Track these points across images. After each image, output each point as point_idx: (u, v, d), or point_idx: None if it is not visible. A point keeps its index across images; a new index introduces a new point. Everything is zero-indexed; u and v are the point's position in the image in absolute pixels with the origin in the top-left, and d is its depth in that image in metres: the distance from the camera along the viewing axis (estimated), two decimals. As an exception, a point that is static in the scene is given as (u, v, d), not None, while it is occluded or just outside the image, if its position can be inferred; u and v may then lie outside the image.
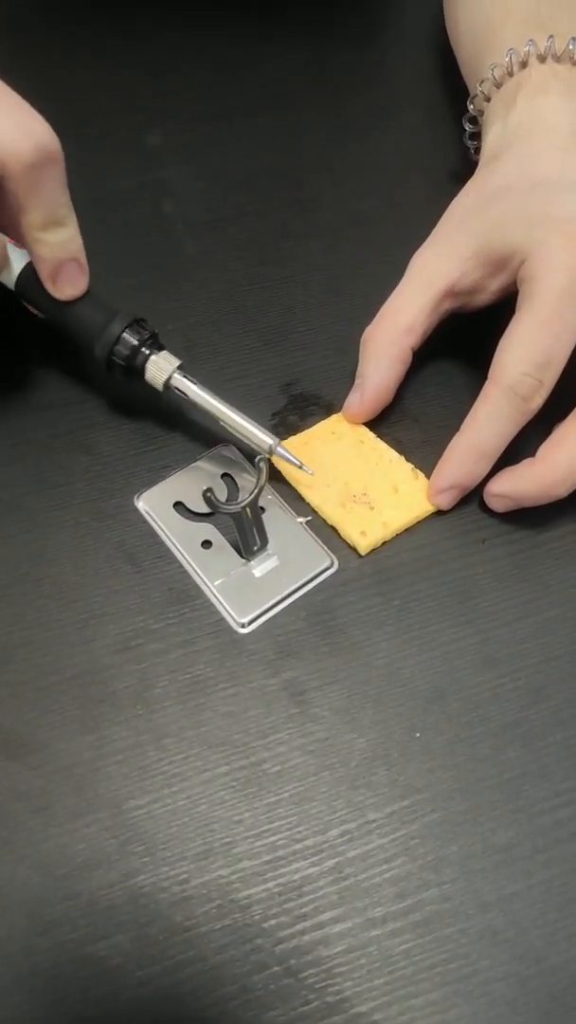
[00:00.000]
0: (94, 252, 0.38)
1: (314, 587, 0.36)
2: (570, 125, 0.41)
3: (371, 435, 0.40)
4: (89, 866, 0.30)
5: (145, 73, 0.57)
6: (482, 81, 0.45)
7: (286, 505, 0.38)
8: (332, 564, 0.37)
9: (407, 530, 0.38)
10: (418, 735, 0.33)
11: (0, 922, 0.29)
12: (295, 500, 0.39)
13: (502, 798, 0.32)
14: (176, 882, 0.30)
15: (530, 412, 0.36)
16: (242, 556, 0.37)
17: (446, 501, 0.38)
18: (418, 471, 0.39)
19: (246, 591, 0.36)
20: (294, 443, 0.39)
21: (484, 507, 0.38)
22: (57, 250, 0.36)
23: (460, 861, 0.31)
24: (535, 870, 0.30)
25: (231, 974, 0.28)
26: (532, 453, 0.37)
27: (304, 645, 0.35)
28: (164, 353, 0.38)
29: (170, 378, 0.37)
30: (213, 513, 0.37)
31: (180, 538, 0.37)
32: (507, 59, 0.43)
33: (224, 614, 0.35)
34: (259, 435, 0.37)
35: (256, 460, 0.36)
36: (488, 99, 0.45)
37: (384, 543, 0.37)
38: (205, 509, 0.36)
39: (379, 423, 0.41)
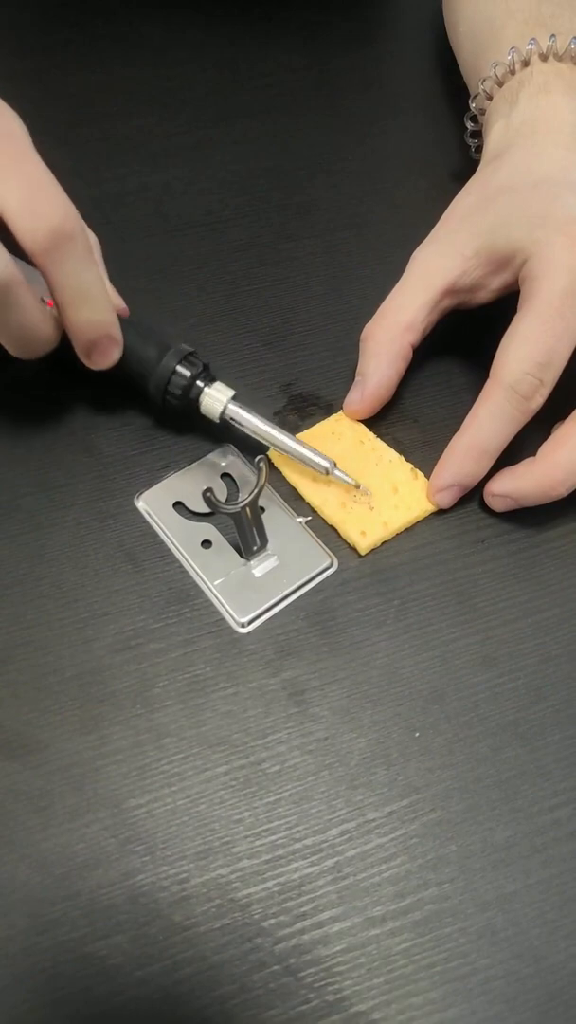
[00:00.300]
0: (94, 253, 0.38)
1: (314, 587, 0.36)
2: (572, 124, 0.41)
3: (371, 435, 0.40)
4: (89, 865, 0.30)
5: (146, 75, 0.57)
6: (484, 79, 0.45)
7: (286, 505, 0.38)
8: (332, 564, 0.37)
9: (407, 530, 0.38)
10: (417, 735, 0.33)
11: (0, 921, 0.29)
12: (295, 500, 0.39)
13: (501, 797, 0.32)
14: (176, 881, 0.30)
15: (531, 411, 0.36)
16: (242, 556, 0.37)
17: (446, 500, 0.38)
18: (418, 471, 0.39)
19: (246, 591, 0.36)
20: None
21: (484, 507, 0.38)
22: (87, 329, 0.36)
23: (459, 860, 0.31)
24: (534, 869, 0.31)
25: (230, 973, 0.28)
26: (533, 453, 0.37)
27: (304, 645, 0.35)
28: (218, 384, 0.38)
29: (225, 409, 0.38)
30: (213, 513, 0.37)
31: (180, 538, 0.37)
32: (509, 57, 0.43)
33: (224, 614, 0.35)
34: (315, 458, 0.37)
35: (256, 460, 0.36)
36: (490, 97, 0.45)
37: (384, 543, 0.37)
38: (205, 509, 0.37)
39: (379, 423, 0.41)
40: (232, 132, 0.54)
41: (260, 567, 0.37)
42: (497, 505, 0.38)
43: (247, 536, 0.36)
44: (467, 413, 0.37)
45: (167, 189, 0.50)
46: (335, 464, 0.37)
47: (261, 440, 0.38)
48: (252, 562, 0.37)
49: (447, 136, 0.53)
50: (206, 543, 0.37)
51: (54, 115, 0.54)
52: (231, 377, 0.42)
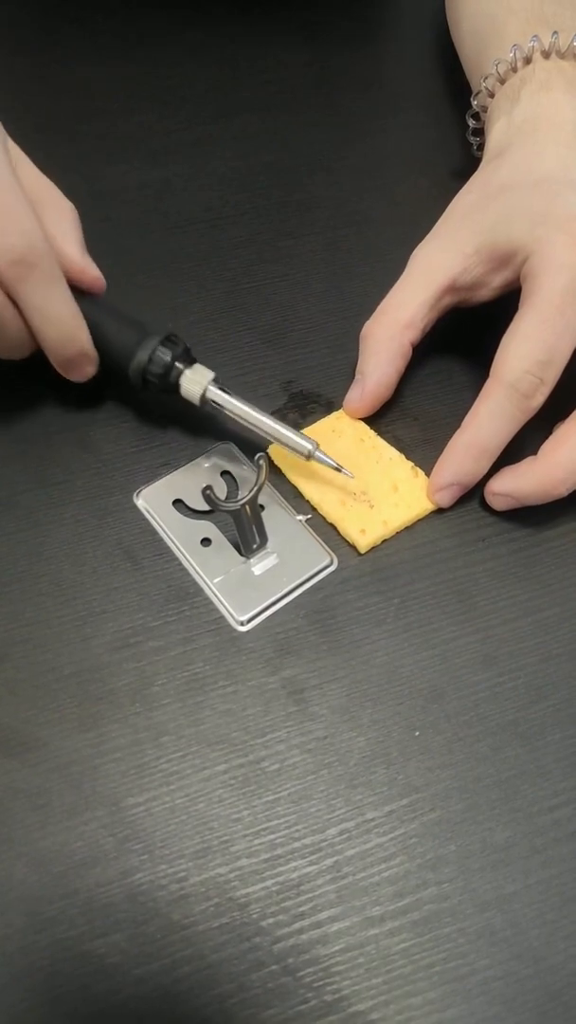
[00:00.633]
0: (95, 250, 0.38)
1: (313, 585, 0.36)
2: (574, 122, 0.40)
3: (371, 433, 0.40)
4: (87, 864, 0.30)
5: (146, 72, 0.57)
6: (486, 77, 0.45)
7: (286, 503, 0.38)
8: (331, 562, 0.37)
9: (407, 528, 0.38)
10: (417, 734, 0.33)
11: (-3, 920, 0.29)
12: (295, 498, 0.39)
13: (501, 797, 0.32)
14: (174, 880, 0.30)
15: (531, 410, 0.36)
16: (241, 554, 0.36)
17: (446, 499, 0.38)
18: (418, 469, 0.39)
19: (245, 589, 0.36)
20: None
21: (484, 505, 0.38)
22: (59, 348, 0.36)
23: (458, 860, 0.31)
24: (533, 869, 0.30)
25: (229, 972, 0.28)
26: (534, 452, 0.36)
27: (303, 643, 0.35)
28: (197, 366, 0.38)
29: (205, 391, 0.37)
30: (212, 511, 0.37)
31: (179, 536, 0.37)
32: (511, 55, 0.43)
33: (223, 612, 0.35)
34: (297, 440, 0.37)
35: (256, 458, 0.35)
36: (492, 95, 0.45)
37: (384, 541, 0.37)
38: (204, 507, 0.36)
39: (379, 421, 0.41)
40: (232, 129, 0.54)
41: (260, 565, 0.36)
42: (498, 504, 0.38)
43: (247, 534, 0.36)
44: (467, 411, 0.37)
45: (167, 186, 0.50)
46: (317, 445, 0.37)
47: (242, 423, 0.37)
48: (252, 560, 0.36)
49: (448, 134, 0.53)
50: (205, 541, 0.37)
51: (55, 111, 0.54)
52: (231, 375, 0.42)
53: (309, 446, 0.37)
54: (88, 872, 0.30)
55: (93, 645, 0.34)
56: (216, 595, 0.36)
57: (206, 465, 0.39)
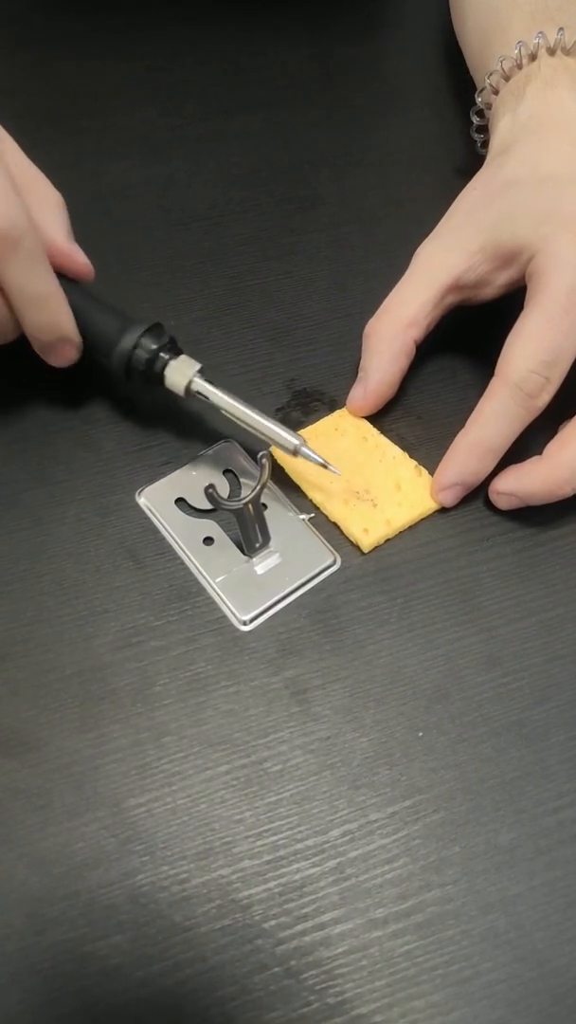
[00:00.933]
0: (97, 247, 0.38)
1: (316, 585, 0.36)
2: None
3: (374, 431, 0.40)
4: (88, 865, 0.30)
5: (149, 68, 0.56)
6: (490, 73, 0.44)
7: (288, 502, 0.38)
8: (334, 562, 0.37)
9: (410, 528, 0.38)
10: (420, 735, 0.33)
11: (-2, 921, 0.29)
12: (298, 497, 0.38)
13: (505, 799, 0.32)
14: (176, 881, 0.30)
15: (536, 409, 0.36)
16: (244, 553, 0.36)
17: (450, 498, 0.37)
18: (421, 468, 0.38)
19: (248, 588, 0.35)
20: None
21: (488, 505, 0.38)
22: (41, 331, 0.36)
23: (462, 862, 0.30)
24: (538, 871, 0.30)
25: (231, 975, 0.28)
26: (538, 451, 0.36)
27: (306, 643, 0.34)
28: (183, 357, 0.37)
29: (191, 382, 0.37)
30: (215, 510, 0.36)
31: (182, 535, 0.37)
32: (516, 51, 0.43)
33: (225, 611, 0.35)
34: (283, 435, 0.36)
35: (259, 456, 0.35)
36: (496, 91, 0.45)
37: (387, 541, 0.37)
38: (207, 505, 0.36)
39: (382, 419, 0.40)
40: (235, 125, 0.53)
41: (262, 564, 0.36)
42: (502, 503, 0.37)
43: (249, 533, 0.36)
44: (472, 410, 0.37)
45: (170, 182, 0.50)
46: (304, 441, 0.36)
47: (228, 415, 0.37)
48: (254, 559, 0.36)
49: (452, 131, 0.53)
50: (208, 540, 0.37)
51: (57, 107, 0.53)
52: (233, 373, 0.41)
53: (296, 441, 0.36)
54: (89, 873, 0.30)
55: (95, 644, 0.34)
56: (218, 594, 0.35)
57: (208, 464, 0.39)
